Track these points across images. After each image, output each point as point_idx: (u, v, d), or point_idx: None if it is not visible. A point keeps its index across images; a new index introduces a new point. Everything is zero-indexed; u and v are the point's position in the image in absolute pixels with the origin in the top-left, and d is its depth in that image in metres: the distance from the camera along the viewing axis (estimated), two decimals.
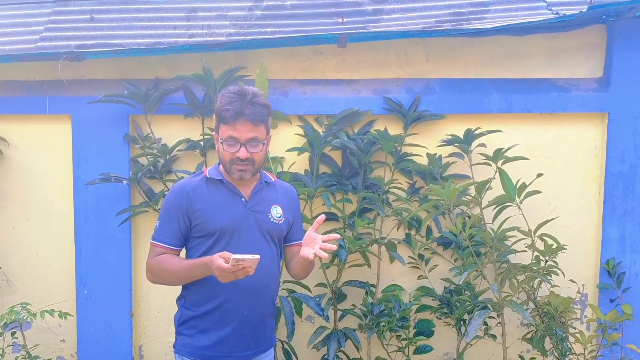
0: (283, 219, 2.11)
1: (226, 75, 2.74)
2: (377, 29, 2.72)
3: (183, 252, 2.09)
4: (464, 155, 2.78)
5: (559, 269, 2.60)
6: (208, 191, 2.03)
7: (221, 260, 1.80)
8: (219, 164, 2.08)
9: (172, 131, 2.89)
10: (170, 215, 2.02)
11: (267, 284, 2.06)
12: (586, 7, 2.51)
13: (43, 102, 2.90)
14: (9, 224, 3.00)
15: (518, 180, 2.52)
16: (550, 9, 2.71)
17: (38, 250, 3.00)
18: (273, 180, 2.18)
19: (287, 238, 2.19)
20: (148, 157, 2.84)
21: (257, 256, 1.79)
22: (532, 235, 2.56)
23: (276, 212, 2.10)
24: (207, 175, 2.06)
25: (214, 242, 2.00)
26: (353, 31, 2.70)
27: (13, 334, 2.80)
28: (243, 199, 2.04)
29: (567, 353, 2.62)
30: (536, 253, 2.61)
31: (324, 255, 1.87)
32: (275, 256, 2.10)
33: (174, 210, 2.01)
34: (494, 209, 2.62)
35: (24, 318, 2.63)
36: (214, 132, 2.04)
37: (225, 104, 1.94)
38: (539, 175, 2.54)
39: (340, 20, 2.81)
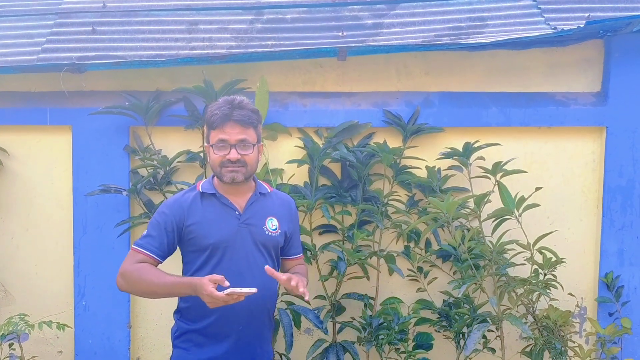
0: (279, 230, 2.09)
1: (227, 88, 2.75)
2: (376, 43, 2.74)
3: (168, 266, 2.03)
4: (463, 168, 2.79)
5: (558, 283, 2.60)
6: (201, 206, 2.02)
7: (212, 287, 1.77)
8: (212, 177, 2.09)
9: (172, 143, 2.90)
10: (160, 227, 1.99)
11: (263, 298, 2.03)
12: (584, 22, 2.53)
13: (44, 113, 2.91)
14: (8, 235, 3.00)
15: (517, 194, 2.53)
16: (549, 24, 2.73)
17: (36, 261, 2.99)
18: (269, 190, 2.17)
19: (284, 251, 2.18)
20: (148, 168, 2.85)
21: (254, 289, 1.78)
22: (531, 248, 2.57)
23: (272, 224, 2.08)
24: (200, 190, 2.05)
25: (208, 256, 1.99)
26: (353, 45, 2.72)
27: (11, 345, 2.78)
28: (237, 212, 2.03)
29: None
30: (535, 266, 2.61)
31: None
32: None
33: (165, 223, 1.99)
34: (493, 222, 2.62)
35: (22, 329, 2.62)
36: (205, 145, 2.05)
37: (213, 110, 1.97)
38: (538, 188, 2.55)
39: (340, 34, 2.83)
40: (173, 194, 2.36)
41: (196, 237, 1.99)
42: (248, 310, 2.00)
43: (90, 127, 2.88)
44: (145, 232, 2.02)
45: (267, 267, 1.90)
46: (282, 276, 1.90)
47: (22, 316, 2.70)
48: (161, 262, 2.01)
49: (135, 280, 1.94)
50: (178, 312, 2.10)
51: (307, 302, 2.11)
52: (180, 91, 2.80)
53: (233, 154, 1.95)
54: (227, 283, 1.78)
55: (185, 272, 2.08)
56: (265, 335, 2.12)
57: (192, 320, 2.03)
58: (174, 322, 2.13)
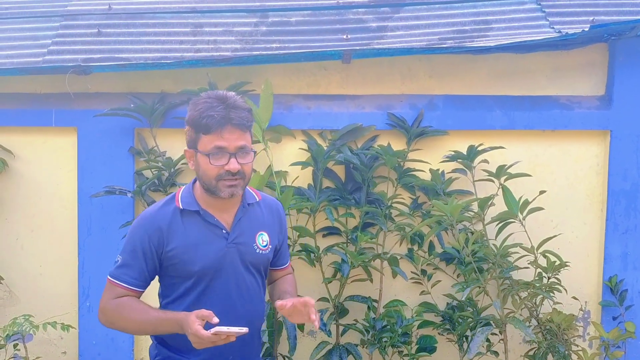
0: (270, 247, 1.86)
1: (231, 90, 2.75)
2: (381, 46, 2.75)
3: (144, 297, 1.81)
4: (467, 171, 2.79)
5: (562, 286, 2.60)
6: (183, 226, 1.73)
7: (198, 324, 1.54)
8: (192, 184, 1.80)
9: (176, 144, 2.91)
10: (136, 254, 1.72)
11: (254, 322, 1.84)
12: (588, 26, 2.53)
13: (49, 114, 2.92)
14: (13, 236, 3.01)
15: (521, 197, 2.53)
16: (553, 28, 2.74)
17: (41, 262, 3.00)
18: (258, 199, 1.88)
19: (272, 263, 1.95)
20: (153, 170, 2.86)
21: (245, 329, 1.57)
22: (535, 251, 2.57)
23: (262, 240, 1.83)
24: (181, 207, 1.74)
25: (193, 283, 1.74)
26: (357, 48, 2.73)
27: (15, 346, 2.79)
28: (224, 231, 1.76)
29: None
30: (539, 270, 2.61)
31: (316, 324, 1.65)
32: (261, 288, 1.87)
33: (142, 248, 1.71)
34: (497, 225, 2.63)
35: (27, 330, 2.63)
36: (186, 149, 1.74)
37: (204, 110, 1.65)
38: (542, 192, 2.56)
39: (344, 36, 2.84)
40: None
41: (178, 263, 1.72)
42: (240, 340, 1.67)
43: (96, 129, 2.89)
44: (120, 260, 1.74)
45: (277, 303, 1.70)
46: (288, 304, 1.67)
47: (27, 317, 2.71)
48: (143, 292, 1.76)
49: (116, 318, 1.72)
50: (160, 337, 1.82)
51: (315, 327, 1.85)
52: (185, 93, 2.81)
53: (233, 165, 1.66)
54: (216, 320, 1.56)
55: (163, 298, 1.81)
56: (256, 352, 1.91)
57: (178, 349, 1.77)
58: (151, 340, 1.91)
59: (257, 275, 1.84)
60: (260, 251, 1.83)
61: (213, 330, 1.54)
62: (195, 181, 1.80)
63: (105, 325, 1.76)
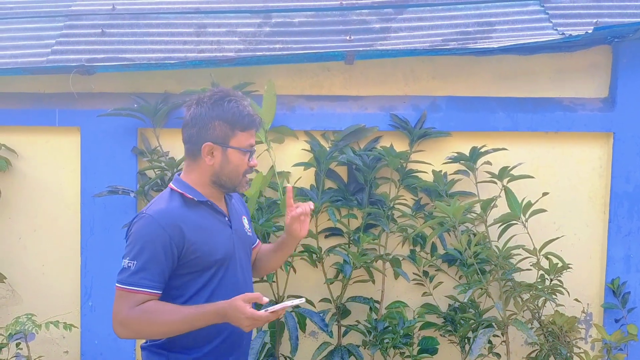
0: (250, 229, 1.96)
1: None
2: (384, 47, 2.75)
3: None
4: (470, 172, 2.79)
5: (564, 288, 2.60)
6: (195, 218, 1.72)
7: (249, 307, 1.57)
8: (185, 182, 1.77)
9: (179, 145, 2.85)
10: (157, 255, 1.63)
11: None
12: (592, 28, 2.53)
13: (53, 114, 2.93)
14: (16, 235, 3.02)
15: (523, 199, 2.53)
16: (556, 30, 2.73)
17: (44, 262, 3.01)
18: None
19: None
20: (155, 170, 2.86)
21: (302, 299, 1.64)
22: (537, 253, 2.56)
23: (245, 223, 1.91)
24: (189, 196, 1.73)
25: (213, 274, 1.73)
26: (360, 49, 2.73)
27: (18, 345, 2.80)
28: (226, 218, 1.81)
29: None
30: (541, 272, 2.61)
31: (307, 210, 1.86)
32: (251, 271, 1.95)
33: (164, 248, 1.64)
34: (499, 226, 2.62)
35: (29, 329, 2.64)
36: (212, 143, 1.72)
37: (242, 109, 1.73)
38: (545, 194, 2.55)
39: (347, 37, 2.84)
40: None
41: (201, 255, 1.69)
42: (244, 334, 1.79)
43: (99, 129, 2.90)
44: (134, 265, 1.65)
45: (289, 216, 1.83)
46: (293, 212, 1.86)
47: (29, 316, 2.72)
48: (160, 294, 1.68)
49: (144, 326, 1.63)
50: (165, 345, 1.73)
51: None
52: (188, 94, 2.81)
53: (255, 161, 1.79)
54: (265, 300, 1.60)
55: (175, 298, 1.71)
56: (247, 347, 1.91)
57: (194, 347, 1.72)
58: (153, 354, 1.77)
59: (249, 257, 1.93)
60: (249, 233, 1.92)
61: (270, 309, 1.58)
62: (179, 175, 1.80)
63: (128, 337, 1.67)
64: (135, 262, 1.65)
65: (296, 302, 1.60)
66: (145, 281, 1.64)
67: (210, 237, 1.73)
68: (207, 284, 1.72)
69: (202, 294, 1.72)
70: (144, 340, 1.80)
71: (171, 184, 1.80)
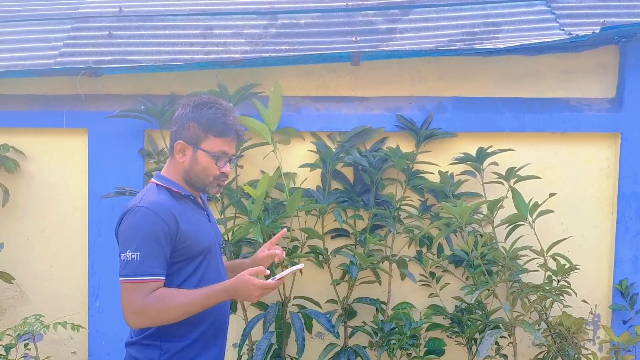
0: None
1: (241, 92, 2.78)
2: (390, 48, 2.75)
3: None
4: (476, 173, 2.79)
5: (572, 289, 2.59)
6: (182, 210, 1.81)
7: (256, 279, 1.71)
8: (168, 177, 1.85)
9: None
10: (159, 243, 1.71)
11: None
12: (599, 28, 2.52)
13: (60, 116, 2.95)
14: (24, 236, 3.03)
15: (530, 199, 2.53)
16: (563, 30, 2.73)
17: (51, 263, 3.03)
18: None
19: None
20: None
21: (301, 265, 1.82)
22: (545, 254, 2.56)
23: (214, 220, 2.02)
24: (176, 190, 1.83)
25: (200, 262, 1.83)
26: (366, 50, 2.73)
27: (26, 345, 2.82)
28: (205, 212, 1.94)
29: None
30: (548, 272, 2.60)
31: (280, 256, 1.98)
32: None
33: (164, 235, 1.72)
34: (506, 227, 2.62)
35: (37, 330, 2.65)
36: (184, 142, 1.81)
37: (220, 116, 1.81)
38: (552, 194, 2.55)
39: (353, 38, 2.84)
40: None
41: (191, 244, 1.79)
42: (226, 309, 1.94)
43: (106, 130, 2.92)
44: (137, 256, 1.70)
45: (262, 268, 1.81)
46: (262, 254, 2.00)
47: (37, 317, 2.73)
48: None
49: (162, 311, 1.70)
50: (154, 335, 1.79)
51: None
52: (194, 95, 2.82)
53: (228, 168, 1.85)
54: (267, 272, 1.77)
55: (166, 285, 1.77)
56: (227, 333, 2.01)
57: (185, 332, 1.80)
58: (140, 349, 1.82)
59: (222, 252, 2.04)
60: (219, 227, 2.07)
61: (278, 276, 1.73)
62: (160, 172, 1.88)
63: (144, 325, 1.75)
64: (138, 253, 1.70)
65: (299, 266, 1.78)
66: (153, 269, 1.71)
67: (197, 227, 1.84)
68: (195, 271, 1.82)
69: (191, 280, 1.82)
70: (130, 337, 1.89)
71: (154, 180, 1.87)
